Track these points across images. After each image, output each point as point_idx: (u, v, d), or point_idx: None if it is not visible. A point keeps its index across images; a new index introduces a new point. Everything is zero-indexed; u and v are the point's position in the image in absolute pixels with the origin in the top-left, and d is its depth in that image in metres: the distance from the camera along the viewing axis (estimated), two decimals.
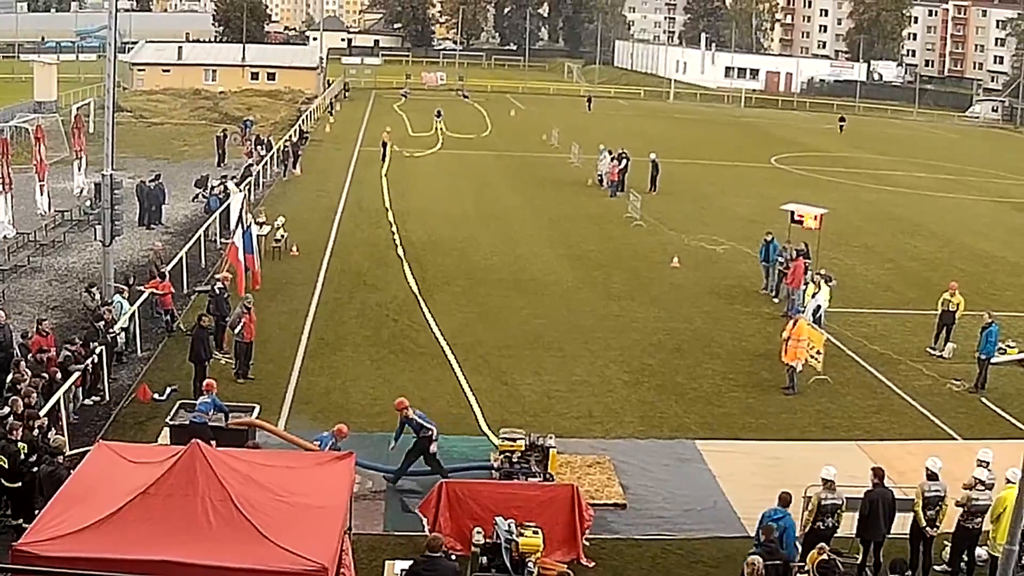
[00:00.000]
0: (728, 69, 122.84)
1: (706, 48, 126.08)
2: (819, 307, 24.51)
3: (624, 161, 44.95)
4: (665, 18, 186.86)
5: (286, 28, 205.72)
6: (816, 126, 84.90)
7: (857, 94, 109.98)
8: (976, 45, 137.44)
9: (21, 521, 13.64)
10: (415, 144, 57.22)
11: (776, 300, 28.02)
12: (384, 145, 49.86)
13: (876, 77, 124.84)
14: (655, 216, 38.94)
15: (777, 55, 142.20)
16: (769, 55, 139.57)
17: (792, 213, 30.54)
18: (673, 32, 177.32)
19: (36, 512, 12.01)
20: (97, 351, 19.41)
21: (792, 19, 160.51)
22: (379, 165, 48.52)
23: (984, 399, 21.61)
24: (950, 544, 14.64)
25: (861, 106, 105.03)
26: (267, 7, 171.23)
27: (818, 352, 22.05)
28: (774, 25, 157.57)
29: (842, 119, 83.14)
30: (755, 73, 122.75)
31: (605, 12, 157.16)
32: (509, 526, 13.28)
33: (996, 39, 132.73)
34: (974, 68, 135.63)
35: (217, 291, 22.75)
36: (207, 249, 30.13)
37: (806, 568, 12.71)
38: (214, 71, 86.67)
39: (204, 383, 17.44)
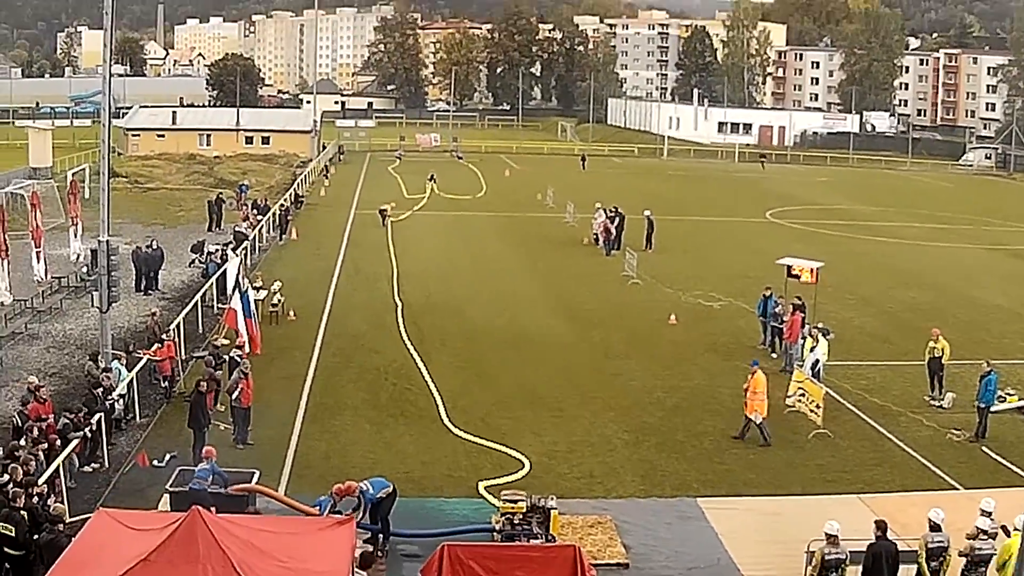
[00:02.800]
0: (721, 124, 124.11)
1: (699, 103, 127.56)
2: (817, 361, 24.71)
3: (619, 219, 45.39)
4: (657, 75, 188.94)
5: (280, 92, 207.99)
6: (810, 179, 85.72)
7: (851, 145, 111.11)
8: (968, 93, 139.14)
9: None
10: (410, 206, 57.71)
11: (775, 356, 28.22)
12: (384, 213, 50.25)
13: (869, 128, 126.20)
14: (651, 273, 39.28)
15: (770, 109, 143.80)
16: (762, 109, 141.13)
17: (788, 267, 30.88)
18: (665, 88, 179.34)
19: None
20: (96, 418, 19.53)
21: (784, 72, 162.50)
22: (376, 228, 48.98)
23: (985, 448, 21.73)
24: None
25: (855, 157, 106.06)
26: (260, 71, 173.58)
27: (818, 406, 22.21)
28: (766, 79, 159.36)
29: (763, 156, 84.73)
30: (748, 127, 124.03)
31: (598, 70, 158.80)
32: None
33: (987, 86, 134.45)
34: (966, 116, 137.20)
35: (235, 358, 22.80)
36: (204, 314, 30.36)
37: None
38: (208, 135, 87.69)
39: (203, 449, 17.56)
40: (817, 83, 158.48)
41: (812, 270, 30.23)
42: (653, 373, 26.71)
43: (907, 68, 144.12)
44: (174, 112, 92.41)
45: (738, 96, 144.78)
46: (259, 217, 46.38)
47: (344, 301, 33.94)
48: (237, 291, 25.86)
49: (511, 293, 36.14)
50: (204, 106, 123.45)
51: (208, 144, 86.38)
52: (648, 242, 45.26)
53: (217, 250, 36.86)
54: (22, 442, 17.23)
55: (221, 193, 54.12)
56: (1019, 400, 24.56)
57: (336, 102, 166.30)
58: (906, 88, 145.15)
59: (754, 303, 30.75)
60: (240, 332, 25.27)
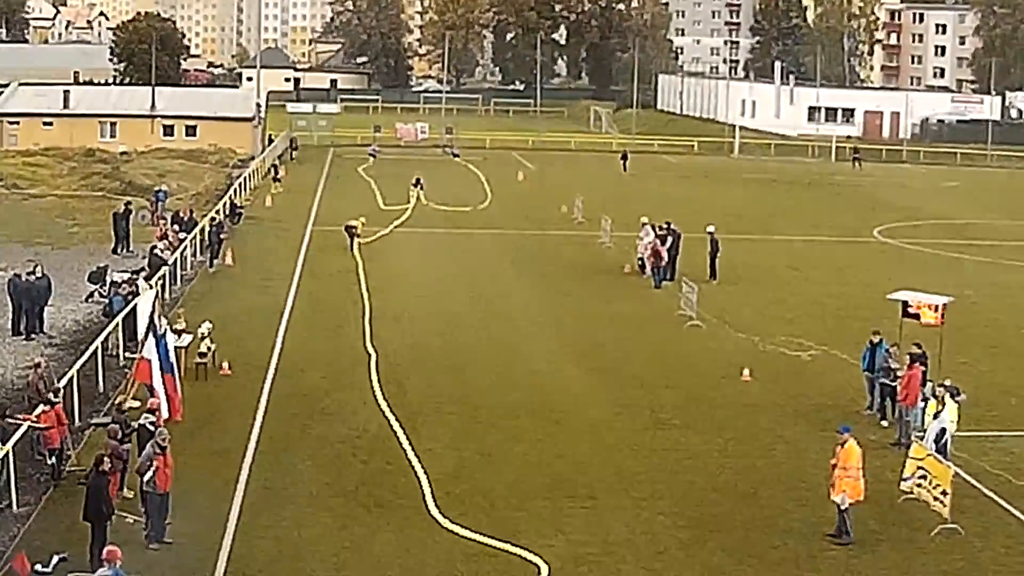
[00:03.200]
0: (813, 110, 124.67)
1: (782, 82, 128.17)
2: (943, 430, 24.72)
3: (672, 239, 45.59)
4: (726, 43, 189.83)
5: (211, 65, 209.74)
6: (934, 184, 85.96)
7: (989, 138, 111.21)
8: None
9: None
10: (388, 221, 57.99)
11: (885, 423, 28.23)
12: (352, 232, 50.42)
13: (1014, 114, 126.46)
14: (717, 313, 39.39)
15: (879, 88, 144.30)
16: (868, 89, 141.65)
17: (904, 304, 30.91)
18: (737, 62, 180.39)
19: None
20: None
21: (898, 39, 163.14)
22: (341, 252, 49.26)
23: None
24: None
25: (994, 154, 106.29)
26: (184, 36, 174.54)
27: (944, 492, 22.22)
28: (874, 48, 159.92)
29: (856, 151, 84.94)
30: (849, 114, 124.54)
31: (644, 37, 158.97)
32: None
33: None
34: None
35: (147, 427, 22.93)
36: (107, 366, 30.49)
37: None
38: (113, 124, 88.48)
39: (105, 550, 17.62)
40: (943, 54, 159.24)
41: (937, 308, 30.24)
42: (719, 448, 26.75)
43: None
44: (66, 92, 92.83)
45: (835, 72, 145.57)
46: (182, 235, 46.69)
47: (297, 350, 34.06)
48: (151, 335, 26.02)
49: (526, 340, 36.24)
50: (107, 84, 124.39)
51: (113, 136, 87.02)
52: (712, 270, 45.40)
53: (125, 280, 37.07)
54: None
55: (130, 203, 54.42)
56: None
57: (288, 79, 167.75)
58: None
59: (857, 352, 30.78)
60: (155, 391, 25.41)
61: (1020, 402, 30.98)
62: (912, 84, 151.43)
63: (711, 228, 46.69)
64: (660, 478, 24.83)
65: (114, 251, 48.46)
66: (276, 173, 74.74)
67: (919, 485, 23.27)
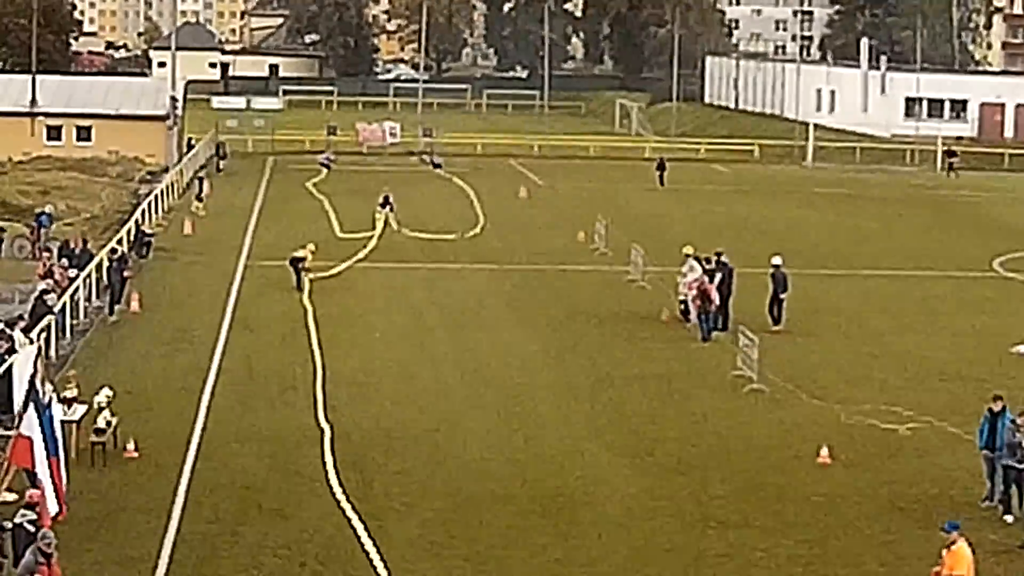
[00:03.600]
0: (911, 102, 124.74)
1: (871, 65, 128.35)
2: None
3: (723, 275, 45.76)
4: (795, 13, 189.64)
5: (111, 46, 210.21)
6: None
7: None
8: None
9: None
10: (348, 252, 58.17)
11: (1010, 519, 28.29)
12: (298, 266, 50.63)
13: None
14: (785, 373, 39.54)
15: (1000, 73, 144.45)
16: (986, 74, 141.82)
17: None
18: (810, 38, 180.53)
19: None
20: None
21: None
22: (284, 293, 49.52)
23: None
24: None
25: None
26: (75, 7, 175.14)
27: None
28: (991, 19, 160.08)
29: (951, 154, 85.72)
30: (960, 107, 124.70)
31: (686, 6, 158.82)
32: None
33: None
34: None
35: (26, 527, 23.02)
36: None
37: None
38: None
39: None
40: None
41: None
42: (788, 552, 26.84)
43: None
44: None
45: (942, 52, 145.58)
46: (72, 273, 46.79)
47: (227, 426, 34.14)
48: (32, 406, 26.09)
49: (529, 410, 36.32)
50: None
51: None
52: (777, 315, 45.62)
53: None
54: None
55: (2, 229, 54.54)
56: None
57: (213, 64, 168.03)
58: None
59: (972, 425, 30.85)
60: (37, 479, 25.45)
61: None
62: None
63: (777, 260, 46.73)
64: None
65: None
66: (200, 189, 74.97)
67: None
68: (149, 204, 66.21)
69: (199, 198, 72.95)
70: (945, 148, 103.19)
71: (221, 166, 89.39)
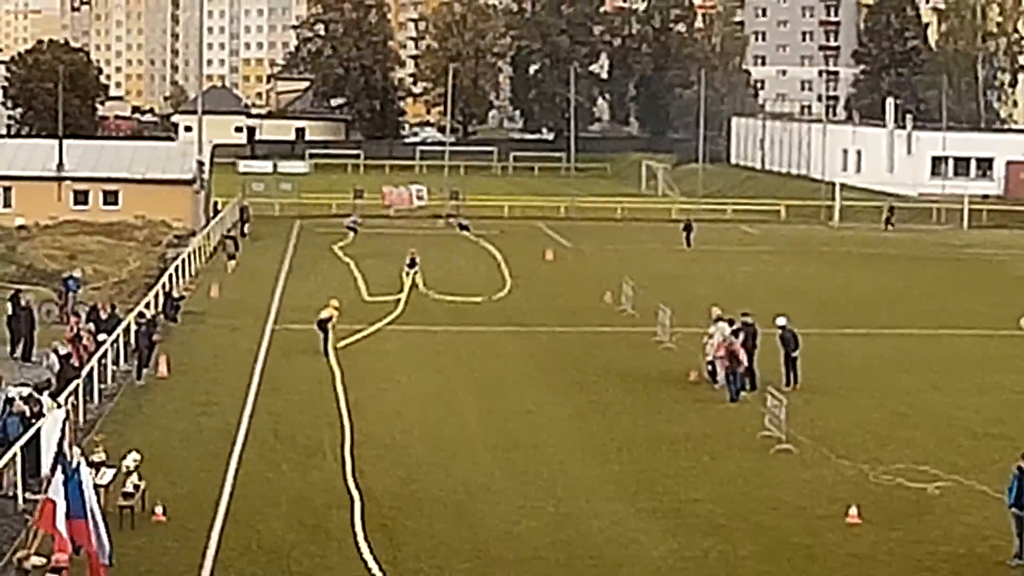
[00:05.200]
0: (937, 161, 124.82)
1: (897, 124, 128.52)
2: None
3: (748, 336, 45.91)
4: (821, 73, 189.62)
5: (137, 110, 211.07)
6: None
7: None
8: None
9: None
10: (375, 316, 58.41)
11: None
12: (325, 328, 50.84)
13: None
14: (813, 432, 39.55)
15: None
16: (1012, 131, 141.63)
17: None
18: (836, 98, 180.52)
19: None
20: None
21: None
22: (311, 356, 49.67)
23: None
24: None
25: None
26: (101, 71, 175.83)
27: None
28: (1017, 77, 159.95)
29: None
30: (986, 165, 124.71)
31: (712, 67, 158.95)
32: None
33: None
34: None
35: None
36: (1, 510, 30.68)
37: None
38: (7, 189, 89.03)
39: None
40: None
41: None
42: None
43: None
44: None
45: (967, 110, 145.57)
46: (100, 337, 47.02)
47: (255, 489, 34.20)
48: (60, 469, 26.22)
49: (557, 472, 36.32)
50: (2, 136, 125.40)
51: (7, 205, 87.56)
52: (791, 375, 45.84)
53: (24, 396, 37.27)
54: None
55: (29, 293, 54.84)
56: None
57: (240, 128, 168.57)
58: None
59: (1001, 483, 30.78)
60: (62, 541, 25.53)
61: None
62: None
63: (782, 320, 46.90)
64: None
65: (11, 355, 48.78)
66: (232, 252, 75.40)
67: None
68: (177, 268, 66.34)
69: (231, 256, 73.21)
70: (888, 205, 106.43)
71: (245, 231, 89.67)
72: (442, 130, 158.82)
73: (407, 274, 66.96)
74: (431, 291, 65.46)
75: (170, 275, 63.83)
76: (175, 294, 59.62)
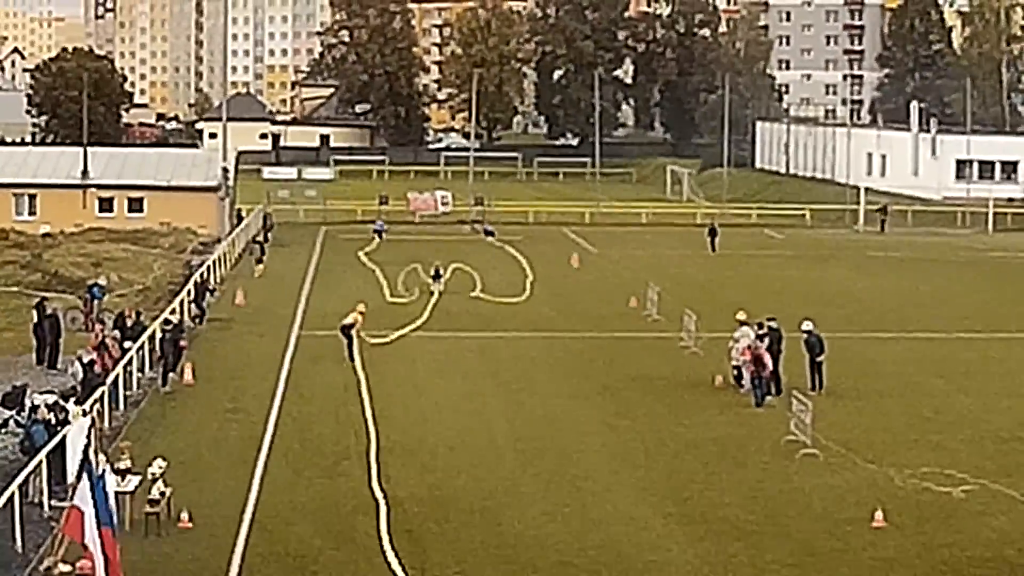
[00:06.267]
0: (962, 164, 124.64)
1: (921, 128, 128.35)
2: None
3: (774, 340, 45.88)
4: (845, 77, 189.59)
5: (162, 117, 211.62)
6: None
7: None
8: None
9: None
10: (399, 321, 58.46)
11: None
12: (349, 334, 50.89)
13: None
14: (839, 437, 39.47)
15: None
16: None
17: None
18: (860, 102, 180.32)
19: None
20: None
21: None
22: (336, 363, 49.77)
23: None
24: None
25: None
26: (126, 79, 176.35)
27: None
28: None
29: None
30: (1011, 168, 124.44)
31: (737, 72, 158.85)
32: None
33: None
34: None
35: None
36: (26, 518, 30.75)
37: None
38: (32, 197, 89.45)
39: None
40: None
41: None
42: None
43: None
44: None
45: (992, 113, 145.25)
46: (125, 344, 47.13)
47: (280, 496, 34.25)
48: (85, 477, 26.26)
49: (584, 478, 36.34)
50: (24, 143, 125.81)
51: (32, 212, 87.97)
52: (816, 379, 45.81)
53: (50, 404, 37.35)
54: None
55: (55, 301, 54.87)
56: None
57: (264, 135, 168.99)
58: None
59: None
60: (89, 550, 25.58)
61: None
62: None
63: (807, 325, 46.83)
64: None
65: (39, 362, 48.92)
66: (260, 256, 75.66)
67: None
68: (202, 275, 66.26)
69: (259, 261, 73.41)
70: (881, 205, 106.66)
71: (268, 238, 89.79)
72: (466, 136, 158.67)
73: (433, 286, 67.14)
74: (475, 291, 66.48)
75: (195, 282, 63.63)
76: (202, 301, 59.54)
